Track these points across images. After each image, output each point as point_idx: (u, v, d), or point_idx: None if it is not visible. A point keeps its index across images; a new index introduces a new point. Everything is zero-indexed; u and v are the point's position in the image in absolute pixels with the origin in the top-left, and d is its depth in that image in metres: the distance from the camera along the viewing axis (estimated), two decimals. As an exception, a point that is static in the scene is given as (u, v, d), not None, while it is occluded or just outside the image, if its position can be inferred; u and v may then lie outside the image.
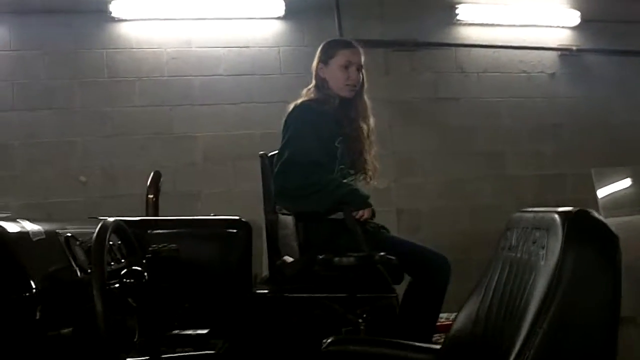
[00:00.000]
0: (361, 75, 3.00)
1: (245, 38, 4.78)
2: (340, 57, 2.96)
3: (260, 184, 3.05)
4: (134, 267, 1.53)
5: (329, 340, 1.90)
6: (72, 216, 4.07)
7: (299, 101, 2.98)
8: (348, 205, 2.74)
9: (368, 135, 3.02)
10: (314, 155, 2.79)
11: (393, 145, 4.80)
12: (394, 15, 5.00)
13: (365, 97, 3.05)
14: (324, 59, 2.99)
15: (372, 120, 3.05)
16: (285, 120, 2.92)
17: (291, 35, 4.87)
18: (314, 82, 3.02)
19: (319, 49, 3.06)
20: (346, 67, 2.95)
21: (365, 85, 3.05)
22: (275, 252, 2.90)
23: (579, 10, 5.37)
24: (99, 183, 4.48)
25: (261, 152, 3.07)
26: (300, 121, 2.87)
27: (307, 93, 3.02)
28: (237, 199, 4.50)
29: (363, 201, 2.82)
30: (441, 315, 3.30)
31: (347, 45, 3.03)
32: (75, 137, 4.48)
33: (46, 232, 1.55)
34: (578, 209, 1.54)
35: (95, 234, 1.48)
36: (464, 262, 4.17)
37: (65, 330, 1.43)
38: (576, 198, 4.89)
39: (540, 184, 5.25)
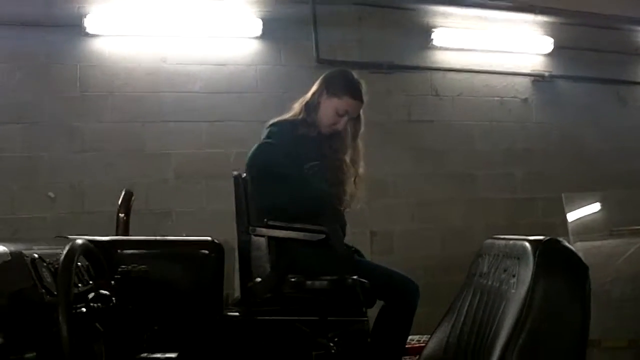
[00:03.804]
0: (359, 124, 3.03)
1: (222, 56, 4.77)
2: (342, 103, 2.95)
3: (233, 203, 3.02)
4: (101, 292, 1.50)
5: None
6: (39, 233, 4.00)
7: (277, 119, 3.00)
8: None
9: (354, 179, 3.02)
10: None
11: (367, 166, 4.81)
12: (371, 38, 5.05)
13: (360, 144, 3.06)
14: (329, 91, 2.97)
15: (362, 167, 3.06)
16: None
17: (268, 55, 4.87)
18: (309, 97, 3.01)
19: (332, 74, 3.05)
20: (341, 114, 2.96)
21: (362, 130, 3.06)
22: (247, 273, 2.86)
23: (552, 37, 5.49)
24: (68, 199, 4.40)
25: (235, 172, 3.04)
26: (268, 137, 2.90)
27: (299, 108, 3.01)
28: (210, 218, 4.46)
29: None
30: (412, 337, 3.32)
31: (354, 95, 2.97)
32: (44, 152, 4.39)
33: (12, 254, 1.51)
34: (549, 237, 1.56)
35: (62, 256, 1.45)
36: (436, 285, 4.19)
37: (29, 355, 1.39)
38: (547, 222, 4.95)
39: (512, 207, 5.31)
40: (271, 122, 3.00)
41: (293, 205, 2.79)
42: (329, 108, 2.96)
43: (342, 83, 2.99)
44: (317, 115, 2.98)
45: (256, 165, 2.83)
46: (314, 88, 3.03)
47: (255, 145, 2.87)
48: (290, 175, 2.82)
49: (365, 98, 3.01)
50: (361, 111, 3.04)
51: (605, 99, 5.67)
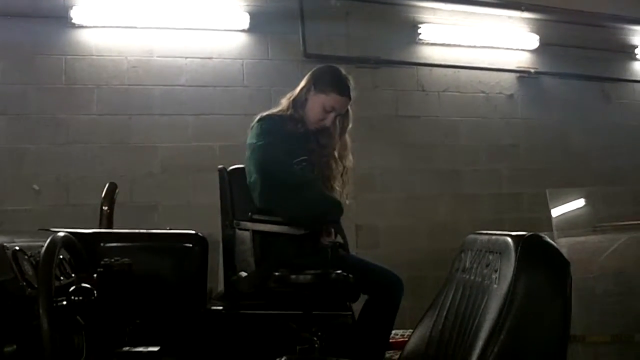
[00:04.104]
0: (347, 119, 3.02)
1: (209, 49, 4.75)
2: (329, 99, 2.94)
3: (219, 197, 3.01)
4: (83, 284, 1.49)
5: (282, 359, 1.89)
6: (25, 225, 3.98)
7: (266, 113, 2.98)
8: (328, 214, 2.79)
9: (342, 174, 3.02)
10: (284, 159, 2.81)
11: (353, 160, 4.82)
12: (358, 33, 5.06)
13: (348, 139, 3.06)
14: (316, 87, 2.96)
15: (349, 161, 3.05)
16: (252, 127, 2.93)
17: (255, 48, 4.85)
18: (296, 93, 3.00)
19: (320, 70, 3.03)
20: (329, 111, 2.95)
21: (350, 126, 3.05)
22: (231, 267, 2.86)
23: (538, 34, 5.51)
24: (53, 192, 4.37)
25: (220, 166, 3.03)
26: (265, 133, 2.87)
27: (286, 103, 3.00)
28: (195, 211, 4.44)
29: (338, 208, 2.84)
30: (396, 332, 3.32)
31: (341, 91, 2.96)
32: (29, 144, 4.36)
33: (-8, 246, 1.50)
34: (531, 233, 1.56)
35: (43, 249, 1.44)
36: (421, 279, 4.20)
37: (9, 348, 1.38)
38: (531, 217, 4.98)
39: (497, 202, 5.33)
40: (259, 116, 2.97)
41: (313, 212, 2.79)
42: (316, 104, 2.95)
43: (330, 79, 2.98)
44: (304, 111, 2.97)
45: (267, 171, 2.79)
46: (302, 84, 3.02)
47: (258, 148, 2.82)
48: (307, 181, 2.82)
49: (353, 94, 3.00)
50: (349, 107, 3.04)
51: (590, 96, 5.71)
